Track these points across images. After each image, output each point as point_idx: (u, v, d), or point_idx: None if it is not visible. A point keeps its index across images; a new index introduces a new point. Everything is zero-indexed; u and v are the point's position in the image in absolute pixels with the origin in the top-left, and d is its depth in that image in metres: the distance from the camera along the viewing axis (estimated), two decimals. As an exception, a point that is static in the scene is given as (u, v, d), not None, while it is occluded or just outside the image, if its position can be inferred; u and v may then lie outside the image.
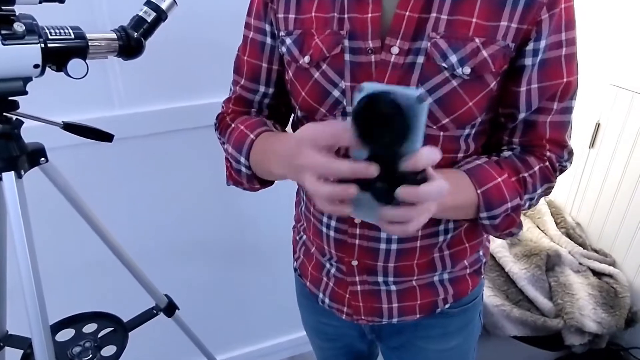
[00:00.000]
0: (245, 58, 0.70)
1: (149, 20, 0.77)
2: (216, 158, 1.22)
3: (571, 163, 0.69)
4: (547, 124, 0.65)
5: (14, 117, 0.69)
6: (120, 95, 1.09)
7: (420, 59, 0.59)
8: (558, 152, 0.67)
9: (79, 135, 0.80)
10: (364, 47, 0.60)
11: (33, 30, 0.63)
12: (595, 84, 1.58)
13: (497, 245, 1.68)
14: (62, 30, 0.68)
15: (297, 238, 0.81)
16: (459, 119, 0.62)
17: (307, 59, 0.63)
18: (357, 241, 0.68)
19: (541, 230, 1.73)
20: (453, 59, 0.58)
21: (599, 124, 1.60)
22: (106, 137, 0.82)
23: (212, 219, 1.30)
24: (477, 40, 0.58)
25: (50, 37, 0.66)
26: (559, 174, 0.69)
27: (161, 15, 0.78)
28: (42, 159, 0.74)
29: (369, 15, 0.60)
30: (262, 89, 0.70)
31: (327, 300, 0.76)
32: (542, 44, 0.59)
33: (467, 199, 0.62)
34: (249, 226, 1.37)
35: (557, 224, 1.74)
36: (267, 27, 0.67)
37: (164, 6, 0.77)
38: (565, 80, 0.62)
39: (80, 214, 0.84)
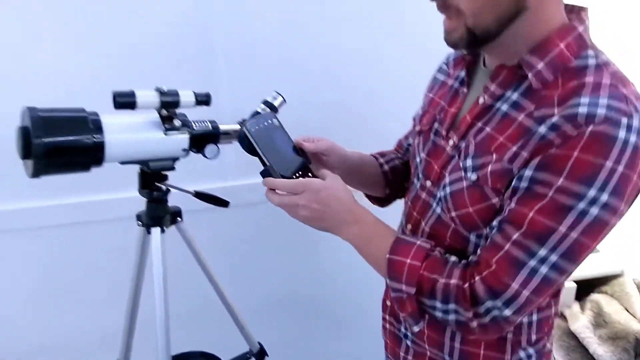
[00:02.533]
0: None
1: (264, 115, 0.99)
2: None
3: (512, 314, 0.61)
4: (500, 248, 0.61)
5: (164, 187, 0.91)
6: (232, 168, 1.32)
7: (456, 154, 0.70)
8: (491, 288, 0.61)
9: (203, 201, 1.00)
10: (441, 132, 0.76)
11: (185, 124, 0.86)
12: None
13: (581, 325, 1.65)
14: (203, 123, 0.90)
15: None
16: (461, 218, 0.68)
17: (418, 127, 0.82)
18: (387, 325, 0.85)
19: (630, 313, 1.67)
20: (468, 162, 0.67)
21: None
22: (223, 203, 1.02)
23: (302, 275, 1.46)
24: (493, 156, 0.64)
25: (195, 128, 0.87)
26: (487, 317, 0.62)
27: (273, 111, 1.00)
28: (179, 218, 0.95)
29: (452, 110, 0.75)
30: (405, 143, 1.01)
31: None
32: (529, 173, 0.59)
33: (380, 248, 0.70)
34: (338, 284, 1.50)
35: (647, 307, 1.67)
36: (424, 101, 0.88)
37: (276, 104, 0.98)
38: (533, 217, 0.58)
39: (199, 265, 1.03)
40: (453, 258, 0.68)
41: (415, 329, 0.69)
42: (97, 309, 1.31)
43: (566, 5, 0.67)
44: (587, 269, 1.81)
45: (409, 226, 0.81)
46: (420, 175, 0.79)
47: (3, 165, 1.13)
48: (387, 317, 0.85)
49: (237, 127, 0.95)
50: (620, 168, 0.56)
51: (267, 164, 0.77)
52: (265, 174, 0.77)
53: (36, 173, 0.74)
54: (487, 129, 0.67)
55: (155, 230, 0.90)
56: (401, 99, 1.17)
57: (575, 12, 0.67)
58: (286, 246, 1.43)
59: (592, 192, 0.56)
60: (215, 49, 1.24)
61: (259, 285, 1.44)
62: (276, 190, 0.74)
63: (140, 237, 0.95)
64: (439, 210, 0.73)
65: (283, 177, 0.76)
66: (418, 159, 0.81)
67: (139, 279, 1.00)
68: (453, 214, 0.69)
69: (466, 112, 0.71)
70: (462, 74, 0.75)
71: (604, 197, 0.56)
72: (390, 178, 0.97)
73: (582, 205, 0.57)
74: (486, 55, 0.73)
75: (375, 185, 0.98)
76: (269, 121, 0.83)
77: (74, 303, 1.33)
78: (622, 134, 0.55)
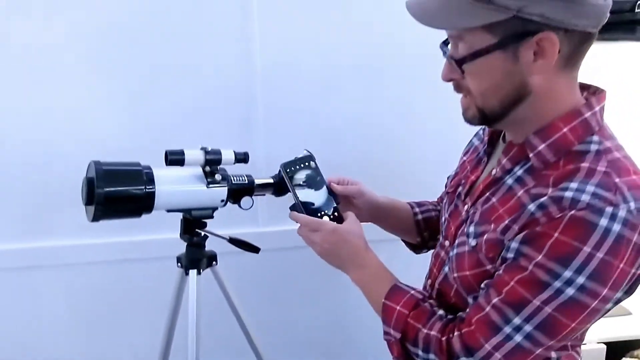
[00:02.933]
0: None
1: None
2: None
3: None
4: (482, 310, 0.65)
5: (203, 233, 1.01)
6: (263, 215, 1.42)
7: (466, 219, 0.76)
8: (467, 345, 0.65)
9: (236, 246, 1.09)
10: (461, 196, 0.81)
11: (225, 178, 0.96)
12: None
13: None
14: (240, 177, 0.99)
15: None
16: (461, 280, 0.72)
17: (448, 188, 0.88)
18: None
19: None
20: (471, 228, 0.72)
21: None
22: (254, 249, 1.10)
23: (328, 319, 1.53)
24: (491, 226, 0.68)
25: (233, 182, 0.97)
26: None
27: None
28: (214, 262, 1.04)
29: (472, 177, 0.80)
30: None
31: None
32: (515, 245, 0.63)
33: (379, 293, 0.77)
34: (364, 328, 1.54)
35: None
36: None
37: (305, 161, 1.08)
38: (512, 286, 0.62)
39: (229, 306, 1.11)
40: (440, 312, 0.73)
41: None
42: (135, 339, 1.42)
43: (584, 86, 0.71)
44: (618, 331, 1.78)
45: (429, 281, 0.86)
46: (443, 234, 0.85)
47: (63, 207, 1.29)
48: None
49: (271, 180, 1.04)
50: (600, 254, 0.58)
51: (295, 200, 0.90)
52: (292, 208, 0.90)
53: (96, 218, 0.86)
54: (493, 200, 0.71)
55: (193, 272, 0.99)
56: (438, 153, 1.26)
57: (590, 94, 0.70)
58: (313, 291, 1.50)
59: (567, 273, 0.59)
60: (255, 109, 1.36)
61: (285, 326, 1.50)
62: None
63: (178, 277, 1.04)
64: (447, 269, 0.78)
65: (311, 213, 0.88)
66: (443, 218, 0.87)
67: (175, 315, 1.09)
68: (455, 274, 0.74)
69: (481, 181, 0.77)
70: (486, 145, 0.81)
71: (581, 279, 0.59)
72: (422, 227, 1.04)
73: (558, 283, 0.59)
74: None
75: (408, 232, 1.06)
76: (306, 163, 0.95)
77: (113, 333, 1.43)
78: (603, 222, 0.58)
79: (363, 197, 0.99)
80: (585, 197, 0.59)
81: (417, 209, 1.05)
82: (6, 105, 1.26)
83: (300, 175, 0.93)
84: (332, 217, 0.90)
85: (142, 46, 1.28)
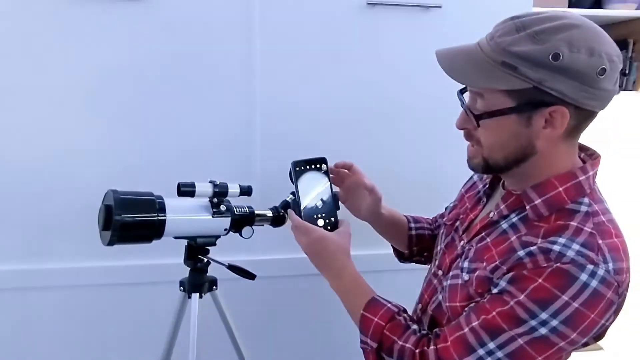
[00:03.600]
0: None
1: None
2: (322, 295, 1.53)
3: None
4: (460, 329, 0.71)
5: (205, 259, 1.08)
6: (259, 244, 1.50)
7: (462, 254, 0.83)
8: (440, 359, 0.71)
9: (234, 272, 1.16)
10: (459, 231, 0.87)
11: (229, 209, 1.04)
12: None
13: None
14: (242, 208, 1.08)
15: None
16: (452, 310, 0.78)
17: (446, 219, 0.95)
18: None
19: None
20: (465, 264, 0.78)
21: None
22: (251, 276, 1.17)
23: (319, 346, 1.60)
24: (483, 264, 0.74)
25: (236, 212, 1.05)
26: None
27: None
28: (214, 287, 1.11)
29: (471, 215, 0.86)
30: (439, 219, 1.09)
31: None
32: (502, 283, 0.69)
33: (357, 304, 0.82)
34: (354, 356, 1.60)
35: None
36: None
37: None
38: (493, 315, 0.68)
39: (226, 330, 1.18)
40: (414, 326, 0.80)
41: None
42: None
43: (582, 147, 0.78)
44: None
45: (420, 305, 0.93)
46: (437, 263, 0.91)
47: (66, 229, 1.35)
48: None
49: (270, 212, 1.12)
50: (576, 304, 0.64)
51: (296, 198, 0.96)
52: (292, 205, 0.97)
53: (112, 242, 0.93)
54: (488, 240, 0.77)
55: (195, 296, 1.06)
56: (434, 192, 1.34)
57: (587, 156, 0.77)
58: (305, 317, 1.56)
59: (543, 315, 0.65)
60: (254, 145, 1.45)
61: (279, 351, 1.56)
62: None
63: (179, 301, 1.11)
64: (440, 298, 0.84)
65: (307, 215, 0.94)
66: (438, 248, 0.93)
67: (174, 338, 1.15)
68: (447, 304, 0.79)
69: (478, 221, 0.84)
70: (487, 186, 0.88)
71: (554, 322, 0.65)
72: (413, 242, 1.12)
73: (533, 322, 0.66)
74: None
75: (399, 242, 1.14)
76: (317, 165, 0.99)
77: (112, 355, 1.47)
78: (584, 277, 0.64)
79: (374, 196, 1.03)
80: (570, 253, 0.66)
81: (412, 224, 1.12)
82: (10, 130, 1.32)
83: (307, 176, 0.97)
84: (327, 221, 0.95)
85: (151, 86, 1.37)
